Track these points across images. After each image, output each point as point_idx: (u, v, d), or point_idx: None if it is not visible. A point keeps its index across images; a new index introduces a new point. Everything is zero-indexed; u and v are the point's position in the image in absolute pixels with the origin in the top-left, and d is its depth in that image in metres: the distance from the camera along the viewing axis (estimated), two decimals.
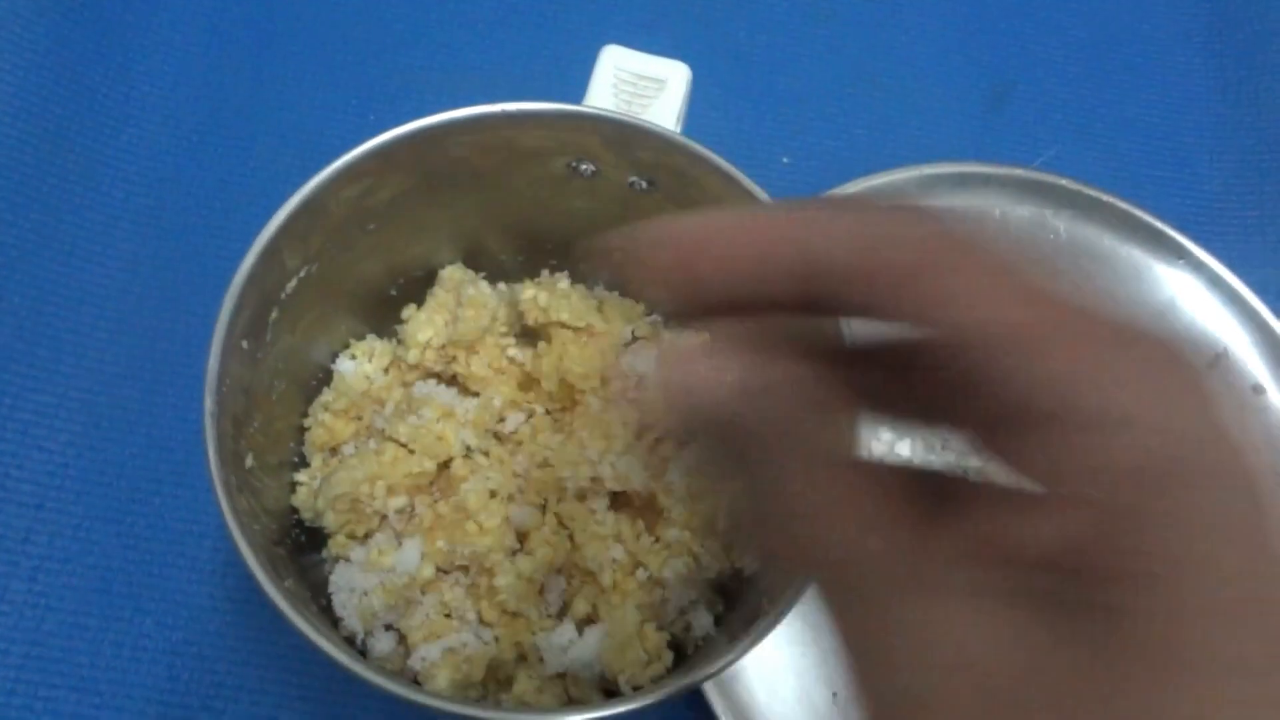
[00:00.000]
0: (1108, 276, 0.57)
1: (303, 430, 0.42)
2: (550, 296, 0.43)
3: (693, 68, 0.59)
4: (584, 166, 0.40)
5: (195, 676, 0.45)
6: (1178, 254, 0.57)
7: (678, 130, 0.44)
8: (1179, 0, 0.68)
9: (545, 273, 0.45)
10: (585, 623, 0.42)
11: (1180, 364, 0.17)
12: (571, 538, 0.42)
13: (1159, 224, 0.57)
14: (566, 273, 0.45)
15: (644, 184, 0.40)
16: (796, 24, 0.64)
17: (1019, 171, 0.58)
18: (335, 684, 0.45)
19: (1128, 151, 0.63)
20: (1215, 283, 0.57)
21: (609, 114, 0.38)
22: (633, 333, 0.47)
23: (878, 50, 0.64)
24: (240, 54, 0.58)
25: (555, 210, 0.43)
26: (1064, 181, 0.58)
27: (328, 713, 0.45)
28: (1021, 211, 0.58)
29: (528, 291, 0.43)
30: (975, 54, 0.65)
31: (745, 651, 0.33)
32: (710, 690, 0.45)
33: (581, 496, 0.43)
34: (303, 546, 0.41)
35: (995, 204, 0.58)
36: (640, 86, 0.40)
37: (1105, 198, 0.58)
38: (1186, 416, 0.17)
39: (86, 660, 0.45)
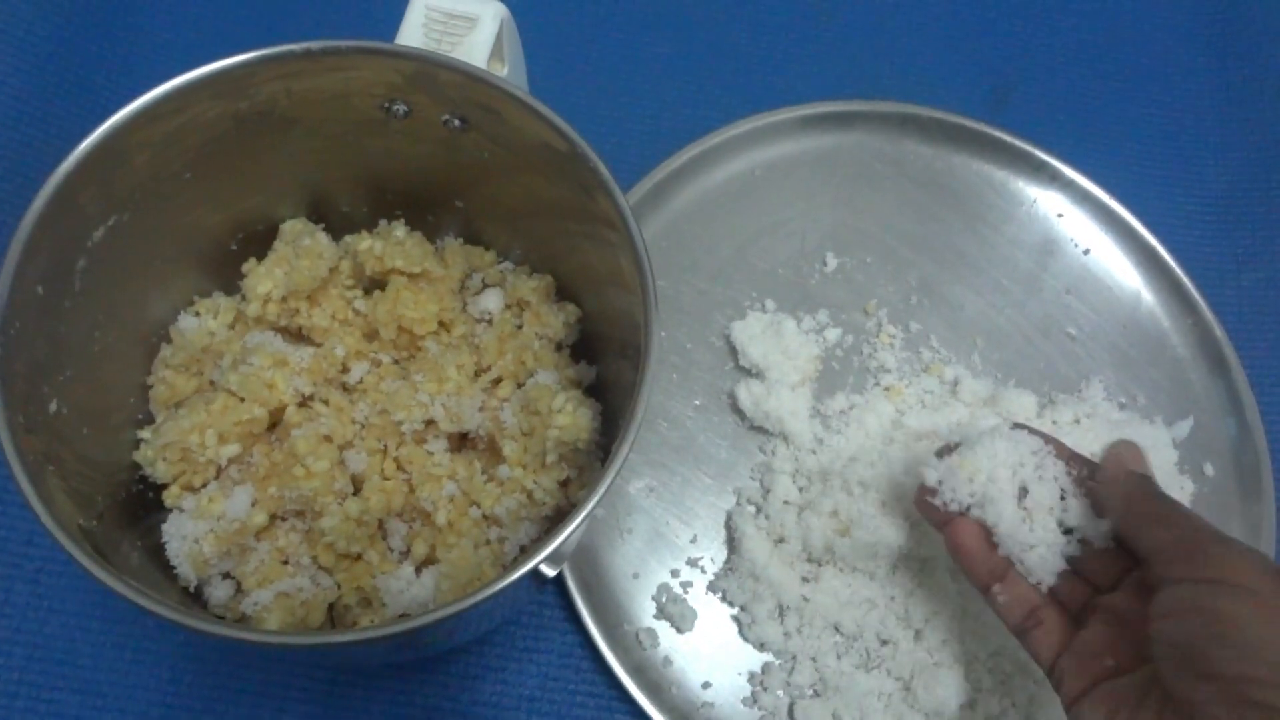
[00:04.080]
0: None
1: (148, 388, 0.43)
2: (385, 245, 0.43)
3: (694, 62, 0.60)
4: (397, 107, 0.40)
5: (198, 679, 0.45)
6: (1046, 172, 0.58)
7: (503, 71, 0.44)
8: (1181, 0, 0.67)
9: (384, 222, 0.45)
10: (425, 564, 0.42)
11: None
12: (410, 482, 0.42)
13: (1021, 143, 0.58)
14: (403, 220, 0.45)
15: (458, 122, 0.40)
16: (797, 24, 0.64)
17: (888, 106, 0.58)
18: (337, 685, 0.46)
19: (1131, 151, 0.62)
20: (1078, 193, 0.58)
21: (405, 49, 0.38)
22: (482, 280, 0.47)
23: (878, 51, 0.64)
24: None
25: (383, 155, 0.43)
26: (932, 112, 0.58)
27: (329, 714, 0.45)
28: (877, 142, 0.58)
29: (363, 242, 0.43)
30: (976, 55, 0.65)
31: (541, 558, 0.32)
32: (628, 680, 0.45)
33: (421, 440, 0.43)
34: (151, 505, 0.42)
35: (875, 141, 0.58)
36: (451, 25, 0.40)
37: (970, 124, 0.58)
38: None
39: (89, 663, 0.45)
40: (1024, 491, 0.41)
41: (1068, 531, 0.41)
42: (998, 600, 0.40)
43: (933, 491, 0.41)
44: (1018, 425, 0.42)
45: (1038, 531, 0.40)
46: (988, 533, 0.41)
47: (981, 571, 0.41)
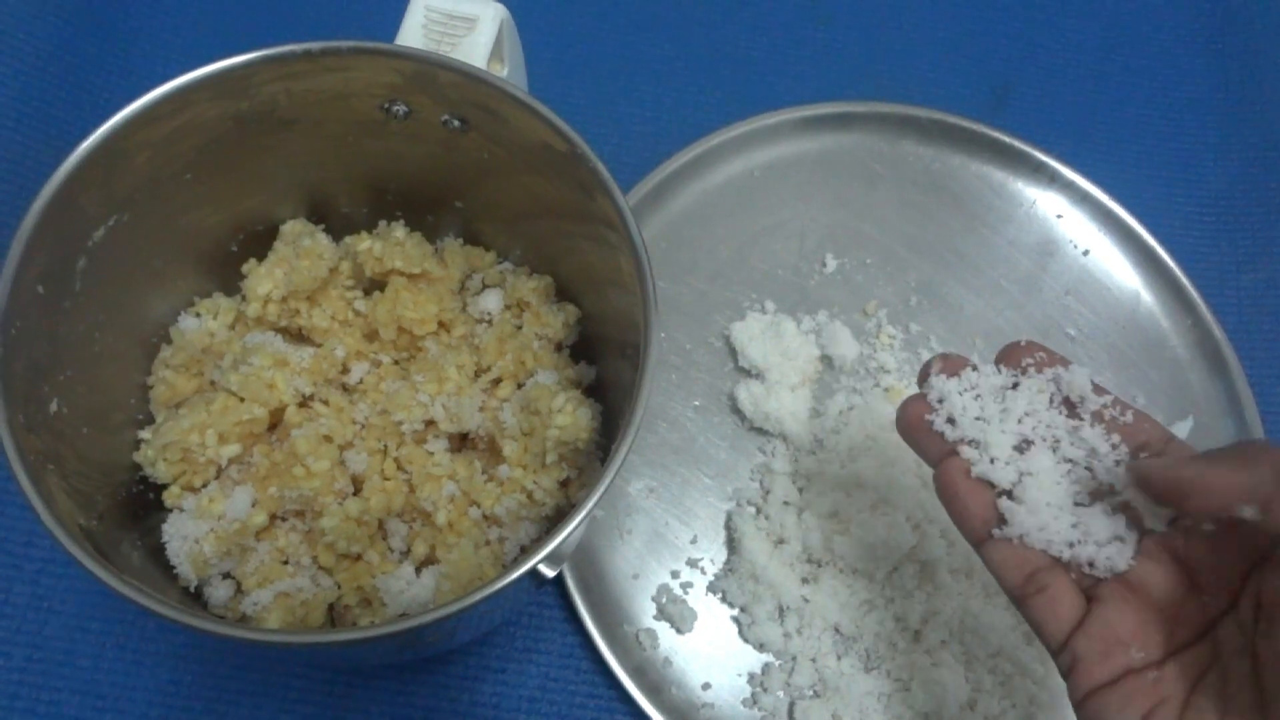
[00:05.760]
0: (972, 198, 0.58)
1: (148, 388, 0.43)
2: (385, 245, 0.43)
3: (694, 63, 0.60)
4: (396, 107, 0.40)
5: (198, 680, 0.45)
6: (1045, 173, 0.58)
7: (503, 71, 0.44)
8: (1180, 1, 0.67)
9: (384, 223, 0.45)
10: (426, 564, 0.42)
11: None
12: (410, 482, 0.42)
13: (1020, 144, 0.58)
14: (403, 221, 0.45)
15: (457, 123, 0.40)
16: (796, 25, 0.64)
17: (887, 107, 0.58)
18: (337, 686, 0.46)
19: (1130, 152, 0.62)
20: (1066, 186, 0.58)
21: (405, 49, 0.38)
22: (482, 280, 0.47)
23: (877, 52, 0.64)
24: None
25: (383, 155, 0.43)
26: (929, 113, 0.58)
27: (329, 715, 0.45)
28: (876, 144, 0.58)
29: (363, 243, 0.43)
30: (975, 55, 0.65)
31: (540, 558, 0.32)
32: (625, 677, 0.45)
33: (421, 440, 0.43)
34: (151, 505, 0.42)
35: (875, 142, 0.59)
36: (450, 26, 0.40)
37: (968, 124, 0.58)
38: None
39: (89, 663, 0.45)
40: (1026, 444, 0.35)
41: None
42: (992, 557, 0.34)
43: (929, 409, 0.36)
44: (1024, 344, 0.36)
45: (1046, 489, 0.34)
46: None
47: (975, 522, 0.35)
